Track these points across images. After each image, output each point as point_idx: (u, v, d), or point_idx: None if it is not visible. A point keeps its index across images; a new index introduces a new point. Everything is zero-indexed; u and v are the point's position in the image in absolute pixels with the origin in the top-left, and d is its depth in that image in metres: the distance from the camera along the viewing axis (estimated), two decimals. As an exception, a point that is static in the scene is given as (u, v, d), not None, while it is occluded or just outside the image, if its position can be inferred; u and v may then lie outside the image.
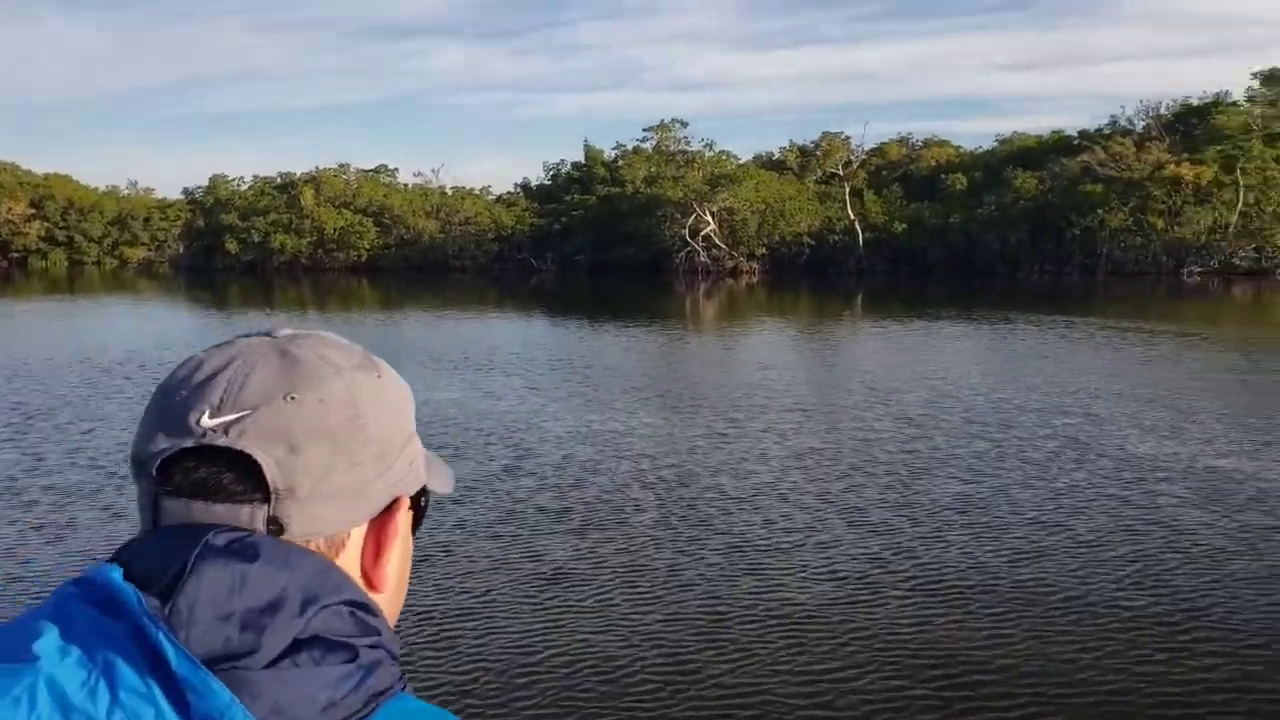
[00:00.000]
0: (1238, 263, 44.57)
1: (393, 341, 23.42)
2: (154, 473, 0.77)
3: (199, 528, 0.75)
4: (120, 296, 42.10)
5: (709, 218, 51.77)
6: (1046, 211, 47.61)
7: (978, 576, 7.17)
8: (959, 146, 62.59)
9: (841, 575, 7.24)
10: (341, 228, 61.88)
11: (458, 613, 6.49)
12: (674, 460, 10.84)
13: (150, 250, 69.96)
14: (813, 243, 52.23)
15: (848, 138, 59.85)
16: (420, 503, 0.89)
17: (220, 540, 0.73)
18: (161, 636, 0.68)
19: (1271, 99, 49.13)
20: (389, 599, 0.85)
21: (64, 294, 44.47)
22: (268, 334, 0.84)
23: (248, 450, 0.75)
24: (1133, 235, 45.37)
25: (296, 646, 0.71)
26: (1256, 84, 50.07)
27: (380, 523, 0.83)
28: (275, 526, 0.76)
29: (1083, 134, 55.44)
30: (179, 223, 70.00)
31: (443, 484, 0.93)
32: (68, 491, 9.64)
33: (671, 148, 60.04)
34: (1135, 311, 29.42)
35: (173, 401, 0.79)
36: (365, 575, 0.83)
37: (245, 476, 0.76)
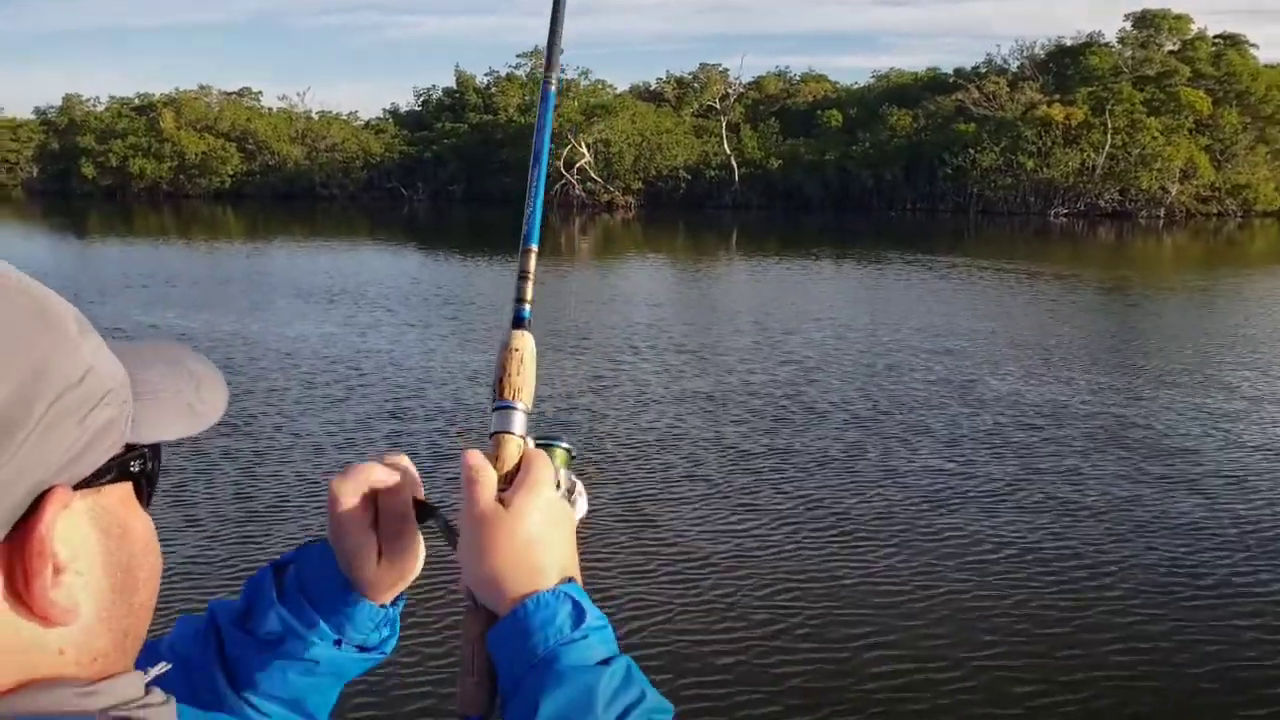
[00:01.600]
0: (1103, 205, 45.56)
1: (261, 274, 22.65)
2: None
3: None
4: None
5: (584, 149, 50.52)
6: (920, 149, 47.84)
7: (867, 519, 7.00)
8: (836, 82, 62.34)
9: (732, 522, 6.95)
10: (203, 153, 59.04)
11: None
12: (557, 403, 10.33)
13: (1, 173, 65.78)
14: (689, 177, 51.53)
15: (725, 70, 59.02)
16: (130, 469, 0.62)
17: None
18: None
19: (1142, 41, 50.07)
20: (98, 622, 0.59)
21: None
22: None
23: None
24: (1003, 175, 45.92)
25: None
26: (1128, 25, 50.97)
27: (21, 533, 0.54)
28: None
29: (958, 72, 55.83)
30: (32, 144, 66.03)
31: (185, 420, 0.66)
32: None
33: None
34: (1003, 251, 29.68)
35: None
36: (28, 610, 0.55)
37: None
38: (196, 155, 58.96)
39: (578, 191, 50.70)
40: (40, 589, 0.54)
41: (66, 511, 0.56)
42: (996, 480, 7.91)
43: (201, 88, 64.90)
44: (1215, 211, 45.28)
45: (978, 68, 55.32)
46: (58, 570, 0.56)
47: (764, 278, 23.02)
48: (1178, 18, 50.16)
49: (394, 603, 1.00)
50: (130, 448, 0.61)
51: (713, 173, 51.45)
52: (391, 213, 47.57)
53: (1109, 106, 44.78)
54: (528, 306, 1.08)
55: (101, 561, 0.59)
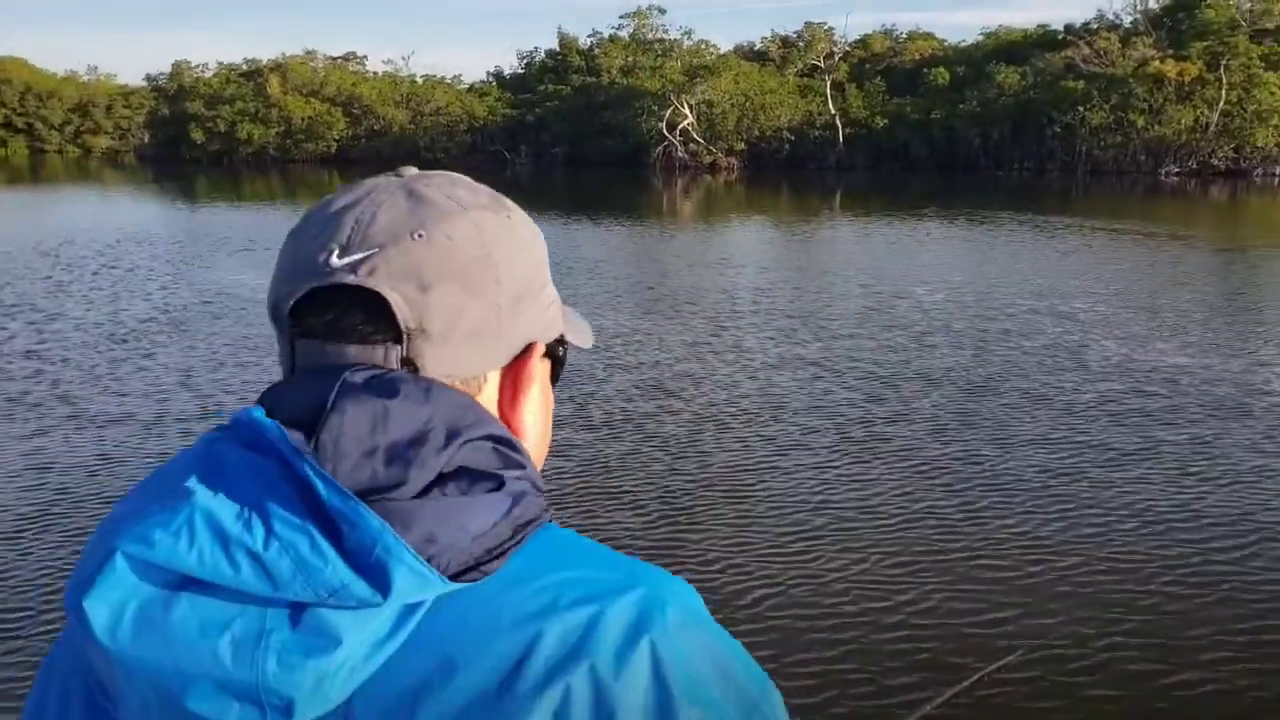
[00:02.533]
0: (1216, 163, 44.36)
1: None
2: (287, 315, 0.76)
3: (336, 369, 0.73)
4: (84, 187, 41.14)
5: (687, 110, 50.81)
6: (1028, 107, 47.05)
7: (978, 490, 7.13)
8: (943, 40, 61.40)
9: (840, 491, 7.21)
10: (309, 118, 60.69)
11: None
12: (661, 370, 10.62)
13: (114, 139, 68.47)
14: (792, 138, 51.47)
15: (831, 29, 58.61)
16: (558, 353, 0.87)
17: (359, 377, 0.72)
18: (309, 469, 0.68)
19: (1262, -8, 48.30)
20: (531, 446, 0.84)
21: (25, 184, 43.32)
22: (396, 174, 0.82)
23: (377, 289, 0.73)
24: (1113, 133, 44.98)
25: (442, 479, 0.70)
26: (1248, -23, 49.15)
27: (516, 367, 0.81)
28: (409, 367, 0.75)
29: (1068, 29, 54.47)
30: (143, 110, 68.47)
31: (582, 338, 0.92)
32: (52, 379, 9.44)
33: (649, 36, 58.68)
34: (1114, 211, 29.30)
35: (302, 243, 0.78)
36: (505, 419, 0.81)
37: (376, 316, 0.74)
38: (302, 120, 60.52)
39: (680, 153, 51.06)
40: (520, 405, 0.82)
41: (536, 359, 0.83)
42: (1115, 448, 7.83)
43: (307, 53, 66.61)
44: (1335, 169, 43.76)
45: (1088, 23, 53.97)
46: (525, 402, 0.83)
47: (869, 239, 23.10)
48: (1301, -33, 48.19)
49: None
50: (561, 342, 0.88)
51: (816, 133, 51.32)
52: (494, 176, 48.23)
53: (1225, 61, 43.44)
54: None
55: (540, 407, 0.85)
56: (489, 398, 0.80)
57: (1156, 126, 44.17)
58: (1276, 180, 42.40)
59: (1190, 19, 48.45)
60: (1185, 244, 21.49)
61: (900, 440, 7.98)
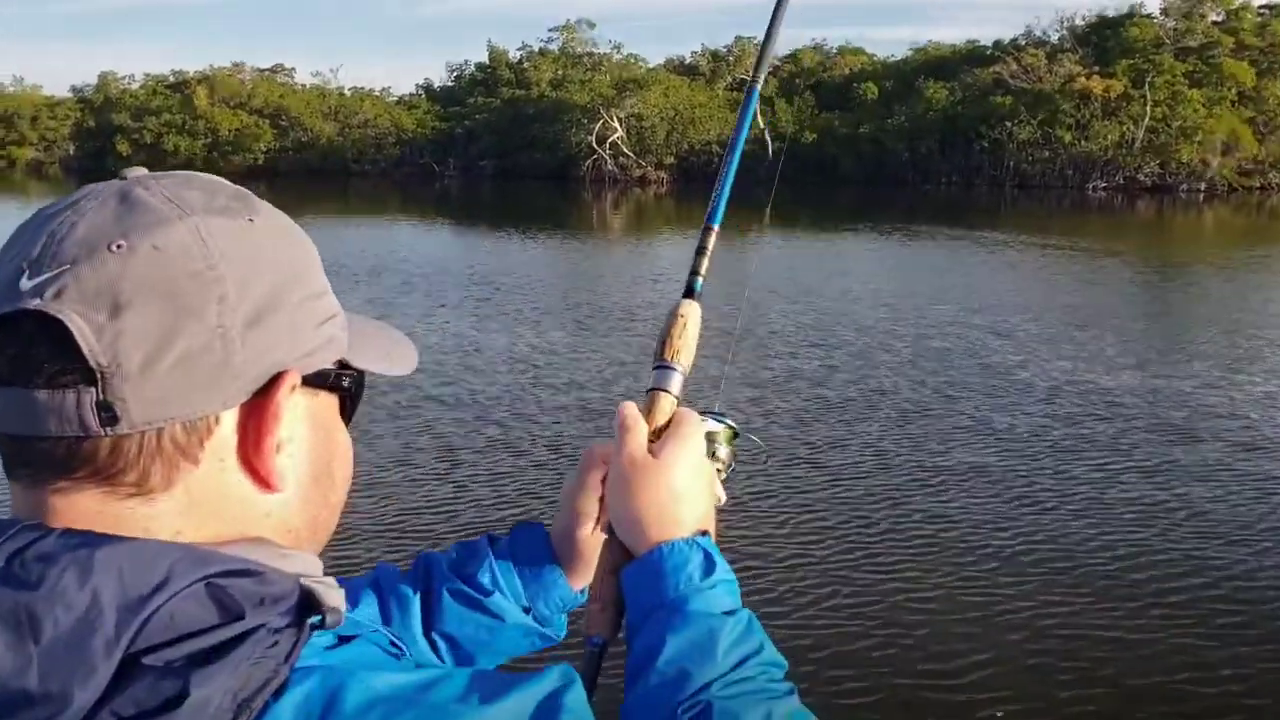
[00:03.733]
0: (1142, 179, 44.88)
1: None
2: None
3: (14, 465, 0.64)
4: (6, 198, 39.76)
5: (616, 124, 50.36)
6: (956, 122, 47.27)
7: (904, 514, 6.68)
8: (873, 55, 61.72)
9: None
10: (237, 129, 59.67)
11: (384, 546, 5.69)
12: (593, 390, 10.12)
13: (39, 150, 66.86)
14: (722, 151, 50.87)
15: (760, 42, 58.61)
16: (340, 383, 0.73)
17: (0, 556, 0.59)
18: None
19: (1185, 11, 49.05)
20: (298, 501, 0.71)
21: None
22: (120, 176, 0.69)
23: (58, 314, 0.59)
24: (1040, 148, 45.34)
25: (119, 688, 0.56)
26: (1172, -4, 49.94)
27: (258, 403, 0.66)
28: (106, 414, 0.60)
29: (997, 44, 54.96)
30: (68, 122, 67.14)
31: (387, 361, 0.78)
32: None
33: (578, 50, 58.39)
34: (1041, 226, 29.32)
35: (1, 263, 0.64)
36: (250, 470, 0.67)
37: (66, 350, 0.60)
38: (230, 132, 59.58)
39: (610, 166, 50.59)
40: (268, 449, 0.66)
41: (292, 397, 0.68)
42: (1048, 470, 7.66)
43: (235, 65, 65.71)
44: (1258, 185, 44.42)
45: (1017, 40, 54.48)
46: (277, 445, 0.68)
47: (799, 255, 22.84)
48: (1222, -13, 49.14)
49: (580, 591, 1.12)
50: (344, 367, 0.73)
51: (746, 147, 50.86)
52: (423, 188, 47.67)
53: (1149, 78, 44.02)
54: (700, 279, 1.21)
55: (308, 450, 0.71)
56: (221, 447, 0.65)
57: (1083, 142, 44.59)
58: (1201, 196, 42.98)
59: (1115, 37, 49.10)
60: (1115, 259, 21.42)
61: (831, 458, 7.75)
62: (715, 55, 59.63)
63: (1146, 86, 43.81)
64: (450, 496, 6.97)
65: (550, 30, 59.73)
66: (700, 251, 1.22)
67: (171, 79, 65.73)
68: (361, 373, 0.75)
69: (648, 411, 1.07)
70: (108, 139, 61.35)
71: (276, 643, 0.60)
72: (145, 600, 0.57)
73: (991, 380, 10.41)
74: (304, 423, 0.70)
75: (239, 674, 0.57)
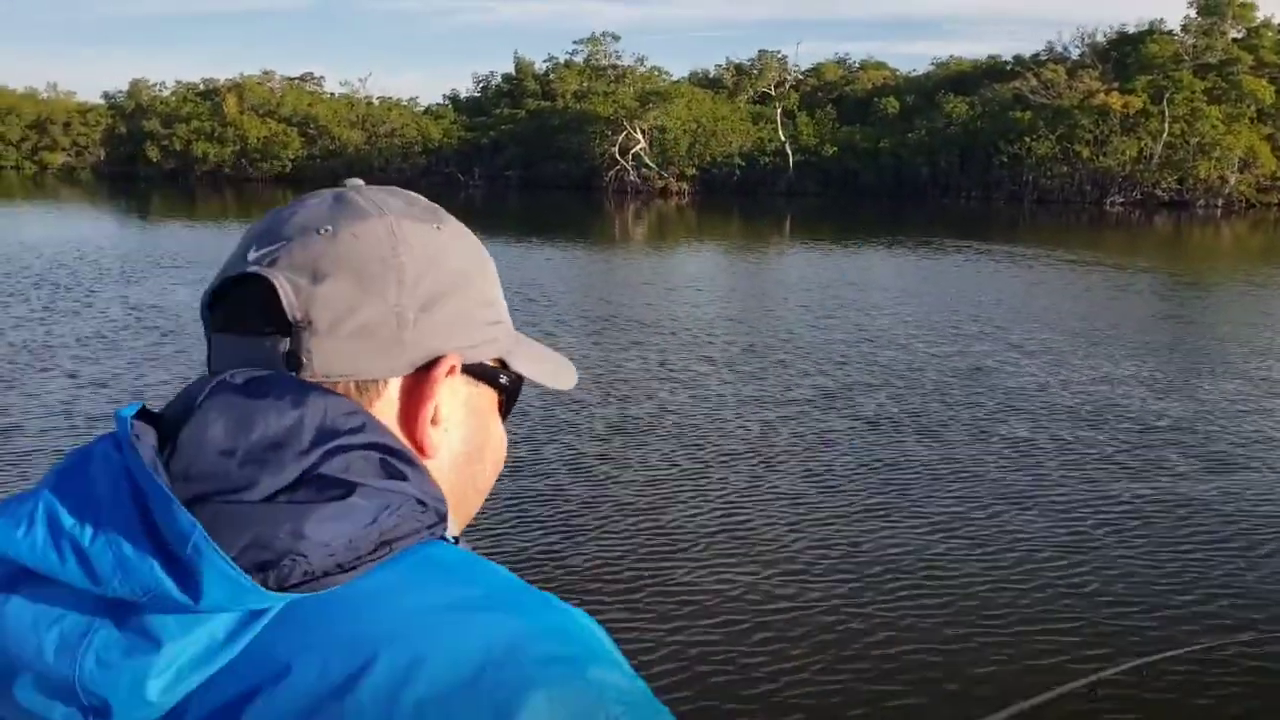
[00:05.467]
0: (1160, 194, 45.18)
1: None
2: (206, 310, 0.77)
3: (227, 369, 0.73)
4: (40, 203, 40.63)
5: (640, 136, 51.00)
6: (976, 137, 47.70)
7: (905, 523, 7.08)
8: (895, 69, 62.30)
9: (770, 515, 7.12)
10: (265, 137, 60.37)
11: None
12: (612, 400, 10.39)
13: (70, 156, 67.96)
14: (743, 164, 51.78)
15: (784, 57, 59.30)
16: (496, 379, 0.83)
17: (237, 379, 0.70)
18: (132, 462, 0.66)
19: (1205, 28, 49.38)
20: (450, 474, 0.80)
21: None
22: (342, 184, 0.82)
23: (267, 275, 0.73)
24: (1059, 164, 45.69)
25: (302, 483, 0.66)
26: (1192, 12, 50.28)
27: (419, 377, 0.76)
28: (293, 360, 0.73)
29: (1017, 60, 55.41)
30: (100, 128, 68.06)
31: (548, 374, 0.88)
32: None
33: (603, 62, 59.11)
34: (1060, 241, 29.68)
35: (238, 244, 0.79)
36: (407, 434, 0.77)
37: (267, 307, 0.73)
38: (258, 140, 60.23)
39: (633, 177, 51.23)
40: (424, 417, 0.76)
41: (452, 380, 0.78)
42: (1051, 480, 7.89)
43: (265, 73, 66.45)
44: (1275, 201, 44.67)
45: (1038, 55, 54.91)
46: (435, 418, 0.78)
47: (819, 267, 23.23)
48: (1243, 4, 49.43)
49: None
50: (505, 368, 0.84)
51: (767, 159, 51.69)
52: (448, 198, 48.10)
53: (1168, 94, 44.34)
54: None
55: (464, 431, 0.81)
56: (387, 408, 0.76)
57: (1101, 157, 44.94)
58: (1218, 212, 43.25)
59: (1135, 53, 49.47)
60: (1133, 273, 21.76)
61: (843, 475, 7.86)
62: (739, 69, 60.25)
63: (1165, 103, 44.13)
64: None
65: (575, 43, 60.66)
66: None
67: (202, 86, 66.45)
68: (520, 376, 0.85)
69: None
70: (138, 145, 62.17)
71: (424, 514, 0.71)
72: (337, 435, 0.68)
73: (1017, 398, 10.73)
74: (463, 407, 0.80)
75: (389, 514, 0.68)
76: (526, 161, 55.14)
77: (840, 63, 63.00)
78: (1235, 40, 49.18)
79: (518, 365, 0.84)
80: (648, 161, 51.45)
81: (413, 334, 0.75)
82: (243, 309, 0.75)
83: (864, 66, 62.42)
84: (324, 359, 0.73)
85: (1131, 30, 52.24)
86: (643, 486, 7.46)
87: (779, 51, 59.48)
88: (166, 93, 67.62)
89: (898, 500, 7.26)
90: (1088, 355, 12.53)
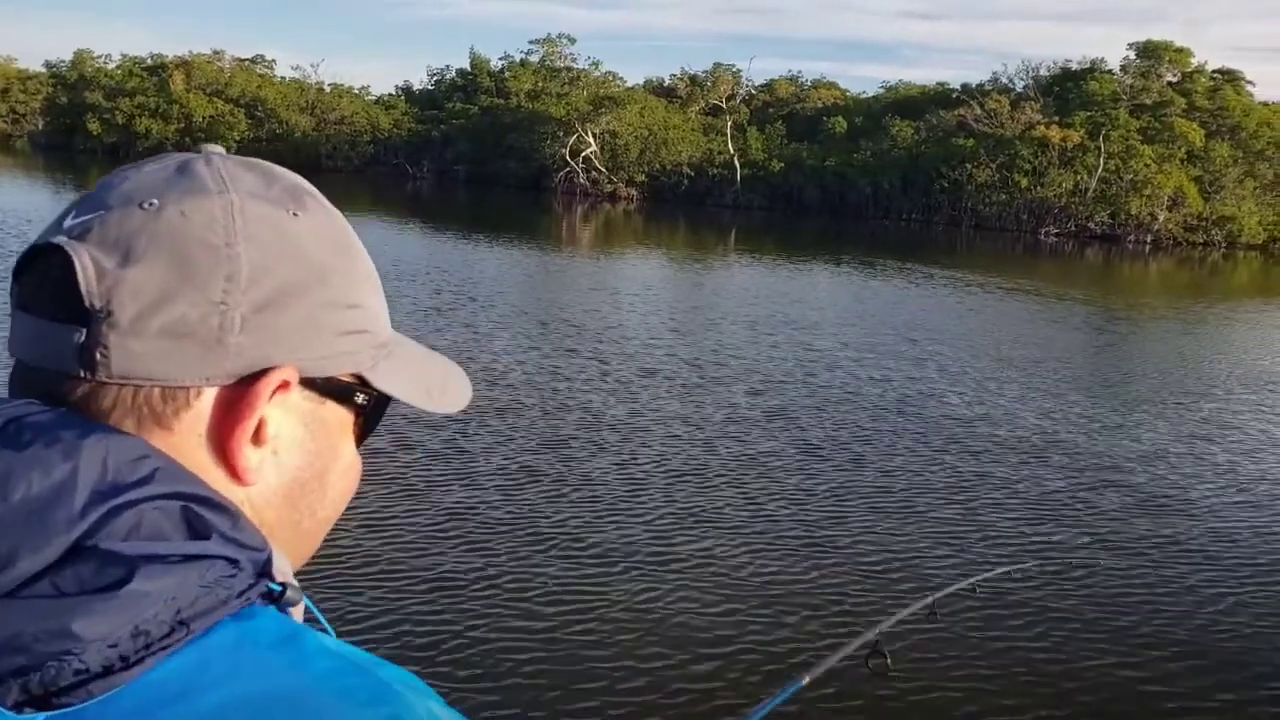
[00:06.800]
0: (1092, 227, 46.54)
1: None
2: (13, 281, 0.65)
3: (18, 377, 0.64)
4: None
5: (591, 139, 51.22)
6: (919, 161, 48.68)
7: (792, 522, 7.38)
8: (846, 90, 63.28)
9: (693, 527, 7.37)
10: (211, 116, 59.53)
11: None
12: (548, 407, 10.66)
13: (7, 123, 66.19)
14: (692, 174, 52.24)
15: (739, 70, 60.00)
16: (352, 397, 0.71)
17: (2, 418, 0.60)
18: None
19: (1142, 70, 51.07)
20: (279, 501, 0.69)
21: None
22: (197, 149, 0.70)
23: (67, 248, 0.61)
24: (998, 191, 46.84)
25: (71, 558, 0.55)
26: (1132, 54, 51.98)
27: (242, 388, 0.64)
28: (86, 357, 0.61)
29: (964, 88, 56.68)
30: (39, 96, 66.52)
31: (418, 393, 0.75)
32: None
33: (558, 63, 59.33)
34: (995, 267, 30.53)
35: (63, 208, 0.67)
36: (222, 455, 0.65)
37: (67, 288, 0.61)
38: (204, 118, 59.33)
39: (582, 180, 51.41)
40: (238, 436, 0.64)
41: (286, 396, 0.66)
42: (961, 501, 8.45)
43: (214, 52, 65.42)
44: (1201, 241, 46.30)
45: (983, 85, 56.23)
46: (259, 438, 0.66)
47: (761, 281, 23.67)
48: (1179, 50, 51.19)
49: None
50: (363, 385, 0.71)
51: (715, 171, 52.20)
52: (395, 188, 48.02)
53: (1105, 131, 45.75)
54: None
55: (299, 455, 0.69)
56: (195, 422, 0.64)
57: (1039, 188, 46.17)
58: (1147, 248, 44.70)
59: (1076, 89, 50.92)
60: (1070, 304, 22.49)
61: (771, 497, 8.17)
62: (694, 79, 60.77)
63: (1102, 139, 45.51)
64: (379, 508, 6.96)
65: (531, 42, 60.82)
66: None
67: (149, 61, 65.22)
68: (382, 395, 0.73)
69: None
70: (79, 117, 60.85)
71: (234, 577, 0.59)
72: (119, 491, 0.56)
73: (954, 429, 11.28)
74: (300, 425, 0.68)
75: (186, 589, 0.56)
76: (476, 157, 55.06)
77: (793, 80, 63.86)
78: (1170, 84, 50.89)
79: (383, 383, 0.72)
80: (598, 165, 51.68)
81: (239, 338, 0.63)
82: (42, 286, 0.63)
83: (815, 85, 63.32)
84: (123, 358, 0.61)
85: (1075, 67, 53.75)
86: (574, 499, 7.65)
87: (734, 65, 60.30)
88: (112, 65, 66.23)
89: (827, 528, 7.57)
90: (1026, 385, 13.02)
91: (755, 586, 6.15)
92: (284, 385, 0.65)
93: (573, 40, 60.58)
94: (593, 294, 18.65)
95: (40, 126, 65.60)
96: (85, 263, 0.60)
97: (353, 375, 0.71)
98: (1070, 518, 7.89)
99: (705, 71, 60.36)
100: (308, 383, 0.67)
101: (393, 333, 0.76)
